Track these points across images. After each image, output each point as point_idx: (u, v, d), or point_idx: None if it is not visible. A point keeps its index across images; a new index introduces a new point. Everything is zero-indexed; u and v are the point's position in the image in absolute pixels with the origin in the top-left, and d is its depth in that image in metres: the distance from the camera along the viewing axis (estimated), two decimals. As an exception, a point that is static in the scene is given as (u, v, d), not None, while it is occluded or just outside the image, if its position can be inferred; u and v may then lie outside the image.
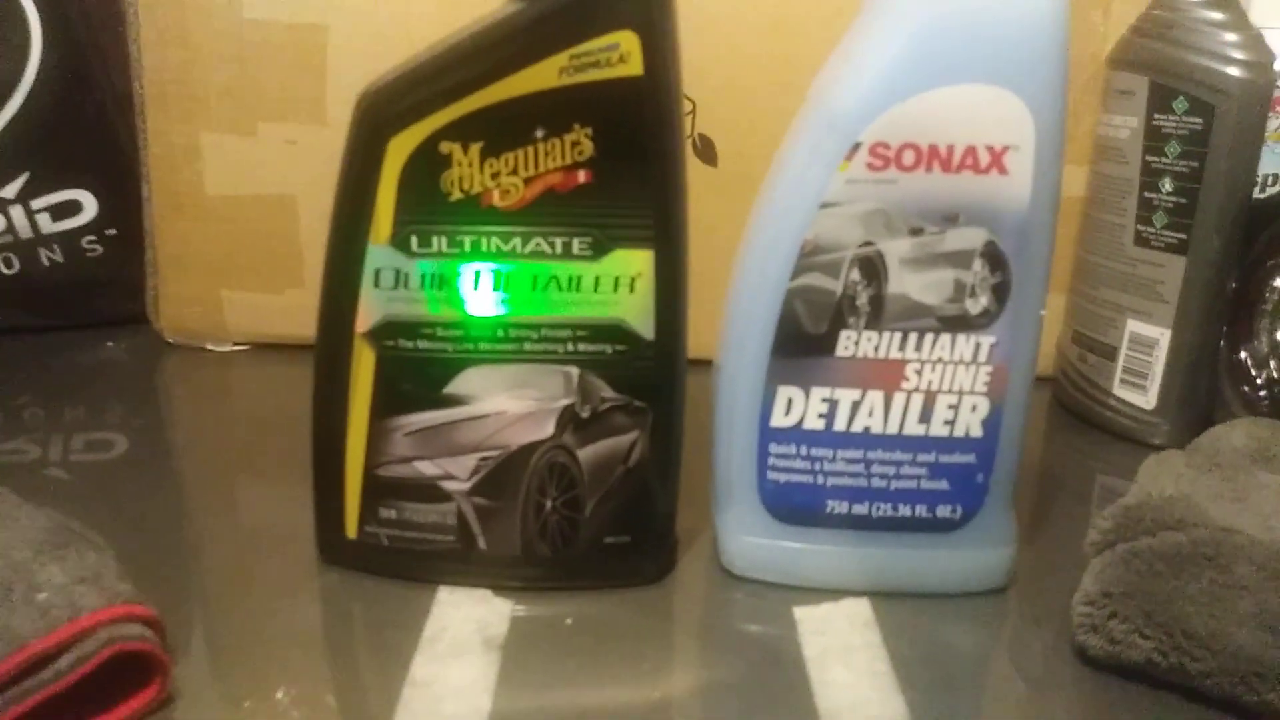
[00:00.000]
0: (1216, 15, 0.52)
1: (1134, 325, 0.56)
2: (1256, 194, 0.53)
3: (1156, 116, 0.54)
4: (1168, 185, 0.54)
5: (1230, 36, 0.52)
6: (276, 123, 0.61)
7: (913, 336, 0.39)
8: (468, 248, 0.37)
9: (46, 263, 0.66)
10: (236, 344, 0.66)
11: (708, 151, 0.61)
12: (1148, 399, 0.57)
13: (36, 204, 0.64)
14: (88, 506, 0.45)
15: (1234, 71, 0.51)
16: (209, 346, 0.66)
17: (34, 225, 0.64)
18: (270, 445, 0.54)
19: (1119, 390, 0.58)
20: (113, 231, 0.67)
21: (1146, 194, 0.55)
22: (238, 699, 0.35)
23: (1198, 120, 0.52)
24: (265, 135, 0.61)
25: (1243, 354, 0.56)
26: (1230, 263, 0.54)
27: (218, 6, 0.59)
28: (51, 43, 0.63)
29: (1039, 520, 0.49)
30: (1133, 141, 0.55)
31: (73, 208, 0.65)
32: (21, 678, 0.30)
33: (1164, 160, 0.54)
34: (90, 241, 0.66)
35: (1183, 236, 0.54)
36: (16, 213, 0.64)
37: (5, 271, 0.65)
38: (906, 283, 0.38)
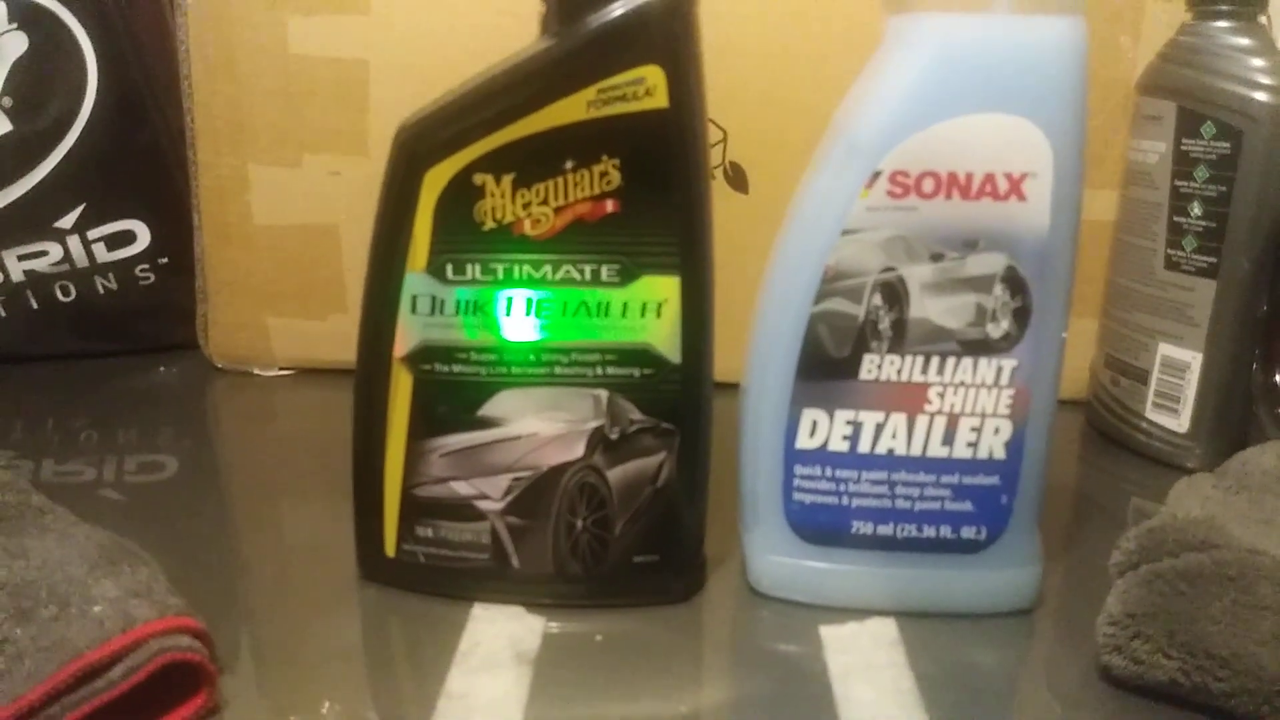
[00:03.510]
0: (1244, 41, 0.53)
1: (1166, 349, 0.56)
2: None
3: (1185, 141, 0.54)
4: (1197, 209, 0.54)
5: (1257, 62, 0.52)
6: (320, 154, 0.62)
7: (935, 360, 0.39)
8: (500, 275, 0.39)
9: (102, 290, 0.68)
10: (282, 369, 0.68)
11: (739, 179, 0.62)
12: (1180, 422, 0.57)
13: (92, 234, 0.67)
14: (140, 525, 0.47)
15: (1261, 96, 0.51)
16: (256, 371, 0.68)
17: (90, 254, 0.67)
18: (313, 466, 0.55)
19: (1151, 414, 0.58)
20: (165, 260, 0.69)
21: (1176, 218, 0.55)
22: (282, 708, 0.36)
23: (1226, 145, 0.52)
24: (310, 166, 0.63)
25: (1276, 377, 0.56)
26: (1261, 286, 0.54)
27: (265, 43, 0.61)
28: (107, 79, 0.65)
29: (1071, 543, 0.49)
30: (1161, 166, 0.55)
31: (127, 237, 0.68)
32: (76, 687, 0.32)
33: (1193, 184, 0.54)
34: (143, 270, 0.69)
35: (1213, 260, 0.54)
36: (73, 242, 0.66)
37: (62, 299, 0.68)
38: (928, 307, 0.39)
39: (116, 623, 0.33)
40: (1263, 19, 0.53)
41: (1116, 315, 0.59)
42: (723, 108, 0.56)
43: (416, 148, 0.37)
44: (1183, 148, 0.54)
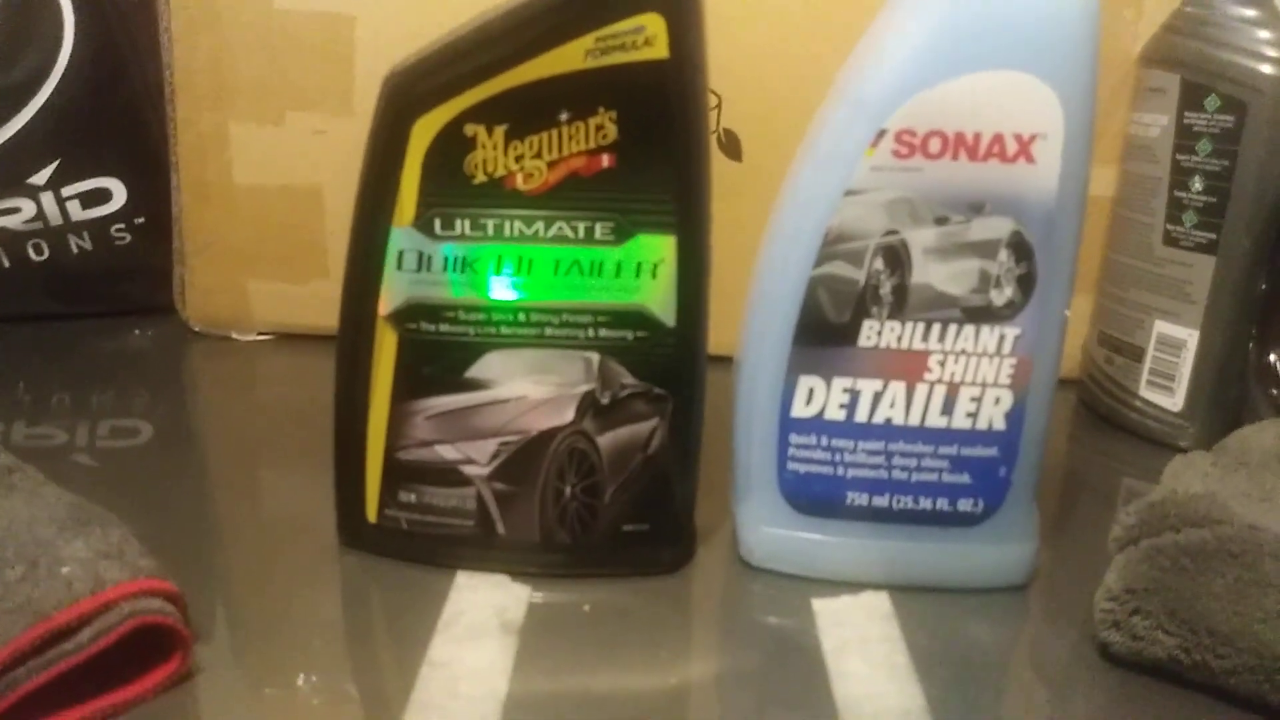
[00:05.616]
0: (1249, 12, 0.52)
1: (1162, 326, 0.56)
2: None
3: (1188, 114, 0.53)
4: (1198, 184, 0.53)
5: (1263, 34, 0.51)
6: (304, 112, 0.61)
7: (936, 327, 0.38)
8: (491, 231, 0.37)
9: (76, 250, 0.66)
10: (261, 333, 0.67)
11: (733, 146, 0.61)
12: (1175, 401, 0.56)
13: (66, 191, 0.65)
14: (113, 491, 0.45)
15: (1267, 69, 0.51)
16: (234, 336, 0.66)
17: (64, 212, 0.65)
18: (292, 433, 0.54)
19: (1146, 392, 0.57)
20: (141, 220, 0.67)
21: (1176, 193, 0.54)
22: (258, 678, 0.35)
23: (1229, 118, 0.52)
24: (293, 125, 0.61)
25: (1272, 356, 0.55)
26: (1261, 263, 0.53)
27: (248, -3, 0.59)
28: (84, 31, 0.63)
29: (1063, 521, 0.48)
30: (1163, 140, 0.54)
31: (102, 196, 0.66)
32: (44, 649, 0.31)
33: (1194, 159, 0.53)
34: (119, 230, 0.67)
35: (1212, 236, 0.53)
36: (47, 200, 0.64)
37: (35, 258, 0.66)
38: (931, 272, 0.38)
39: (86, 584, 0.32)
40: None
41: (1112, 292, 0.59)
42: (718, 73, 0.54)
43: (406, 95, 0.36)
44: (1185, 121, 0.53)
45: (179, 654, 0.33)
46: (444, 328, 0.38)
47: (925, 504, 0.40)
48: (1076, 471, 0.55)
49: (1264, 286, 0.54)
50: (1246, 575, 0.35)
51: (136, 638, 0.32)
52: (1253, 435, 0.45)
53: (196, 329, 0.67)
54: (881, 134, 0.36)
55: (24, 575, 0.32)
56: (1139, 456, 0.56)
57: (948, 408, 0.39)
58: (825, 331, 0.39)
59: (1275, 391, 0.55)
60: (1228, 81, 0.51)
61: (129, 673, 0.33)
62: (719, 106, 0.60)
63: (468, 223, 0.37)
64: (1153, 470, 0.46)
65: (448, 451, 0.39)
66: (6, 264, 0.65)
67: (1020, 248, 0.37)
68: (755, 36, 0.59)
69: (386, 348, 0.39)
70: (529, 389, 0.39)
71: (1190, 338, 0.55)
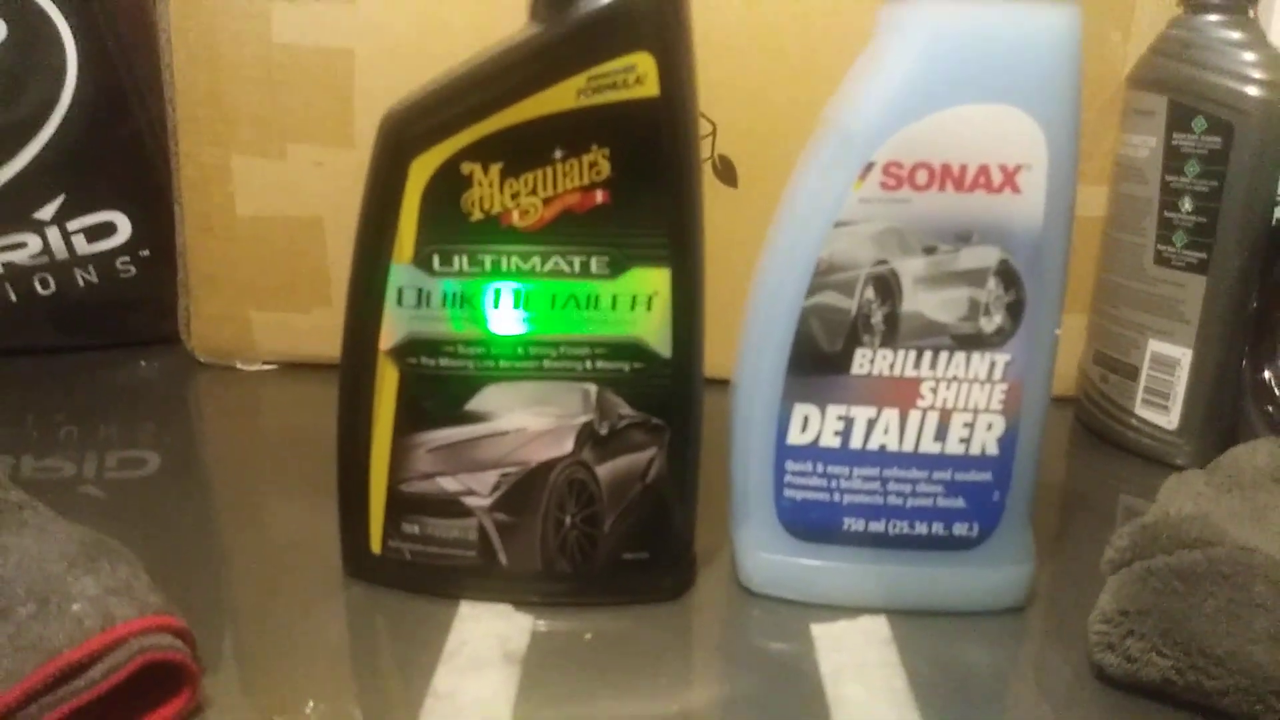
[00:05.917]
0: (1235, 35, 0.52)
1: (1155, 345, 0.56)
2: (1277, 213, 0.53)
3: (1176, 136, 0.54)
4: (1187, 205, 0.54)
5: (1249, 56, 0.52)
6: (305, 145, 0.62)
7: (928, 354, 0.39)
8: (488, 267, 0.38)
9: (81, 283, 0.67)
10: (266, 363, 0.67)
11: (728, 173, 0.62)
12: (1170, 419, 0.56)
13: (72, 225, 0.66)
14: (121, 522, 0.46)
15: (1253, 91, 0.51)
16: (239, 365, 0.67)
17: (70, 246, 0.66)
18: (298, 462, 0.55)
19: (1141, 410, 0.58)
20: (146, 253, 0.68)
21: (1166, 213, 0.55)
22: (266, 707, 0.35)
23: (1217, 139, 0.52)
24: (294, 157, 0.62)
25: (1266, 374, 0.56)
26: (1251, 282, 0.54)
27: (248, 31, 0.60)
28: (87, 67, 0.64)
29: (1060, 540, 0.49)
30: (1152, 161, 0.55)
31: (107, 229, 0.67)
32: (55, 687, 0.31)
33: (1183, 180, 0.54)
34: (124, 262, 0.68)
35: (1203, 256, 0.54)
36: (53, 234, 0.65)
37: (41, 292, 0.67)
38: (921, 301, 0.38)
39: (96, 621, 0.32)
40: (1253, 12, 0.53)
41: (1106, 311, 0.59)
42: (712, 101, 0.56)
43: (403, 135, 0.37)
44: (1173, 142, 0.54)
45: (188, 689, 0.34)
46: (444, 362, 0.39)
47: (921, 529, 0.41)
48: (1073, 490, 0.55)
49: (1255, 305, 0.54)
50: (1238, 597, 0.36)
51: (146, 674, 0.32)
52: (1245, 455, 0.46)
53: (201, 359, 0.67)
54: (869, 167, 0.37)
55: (35, 613, 0.33)
56: (1135, 474, 0.56)
57: (941, 434, 0.40)
58: (818, 360, 0.39)
59: (1269, 408, 0.56)
60: (1214, 104, 0.52)
61: (138, 709, 0.33)
62: (713, 134, 0.61)
63: (466, 259, 0.38)
64: (1149, 488, 0.46)
65: (449, 483, 0.40)
66: (13, 298, 0.66)
67: (1008, 276, 0.38)
68: (750, 64, 0.59)
69: (388, 382, 0.39)
70: (528, 421, 0.39)
71: (1184, 356, 0.55)
